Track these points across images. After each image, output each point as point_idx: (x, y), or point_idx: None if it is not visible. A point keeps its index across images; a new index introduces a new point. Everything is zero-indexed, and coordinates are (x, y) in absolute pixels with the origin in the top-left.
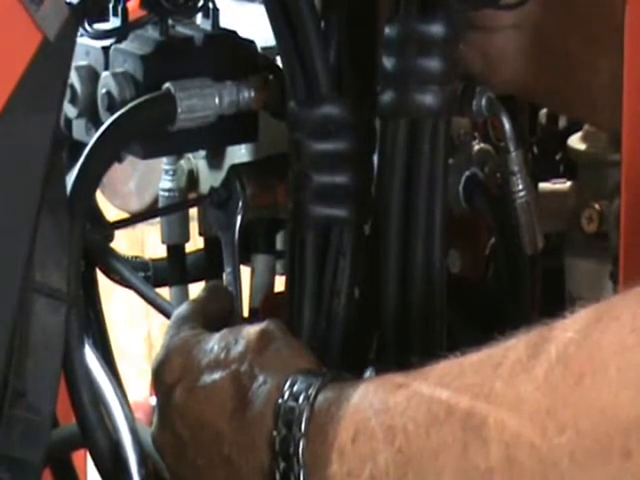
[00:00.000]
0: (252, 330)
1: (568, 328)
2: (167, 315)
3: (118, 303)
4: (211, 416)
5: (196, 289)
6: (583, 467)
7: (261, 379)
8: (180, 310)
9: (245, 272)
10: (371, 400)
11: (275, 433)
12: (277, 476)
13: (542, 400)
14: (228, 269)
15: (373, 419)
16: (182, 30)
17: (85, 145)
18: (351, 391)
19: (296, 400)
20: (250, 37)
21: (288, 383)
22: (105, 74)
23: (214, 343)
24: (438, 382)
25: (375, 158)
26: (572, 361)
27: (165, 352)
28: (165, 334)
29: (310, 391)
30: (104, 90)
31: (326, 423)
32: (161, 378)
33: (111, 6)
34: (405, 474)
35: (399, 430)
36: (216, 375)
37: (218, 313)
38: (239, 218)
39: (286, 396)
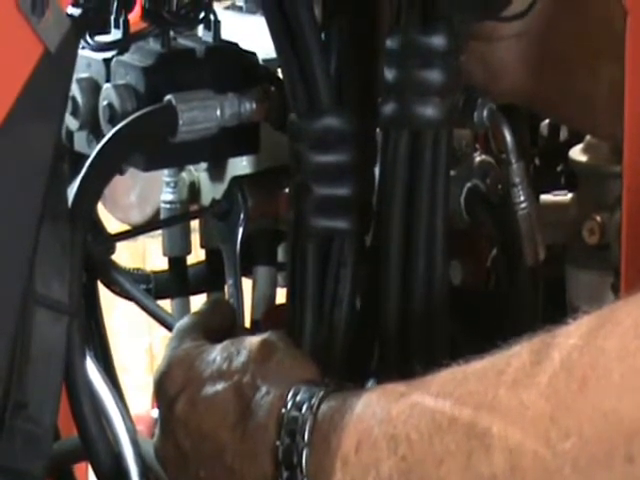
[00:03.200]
0: (254, 341)
1: (571, 335)
2: (168, 327)
3: (119, 315)
4: (213, 427)
5: (198, 301)
6: (586, 473)
7: (264, 390)
8: (182, 322)
9: (247, 284)
10: (374, 409)
11: (278, 443)
12: None
13: (545, 407)
14: (230, 281)
15: (376, 428)
16: (184, 42)
17: (87, 157)
18: (354, 400)
19: (299, 410)
20: (251, 49)
21: (291, 393)
22: (106, 86)
23: (216, 354)
24: (441, 390)
25: (376, 169)
26: (575, 367)
27: (167, 363)
28: (167, 346)
29: (313, 401)
30: (105, 102)
31: (329, 432)
32: (163, 389)
33: (112, 18)
34: None
35: (402, 439)
36: (219, 386)
37: (220, 326)
38: (240, 230)
39: (289, 406)
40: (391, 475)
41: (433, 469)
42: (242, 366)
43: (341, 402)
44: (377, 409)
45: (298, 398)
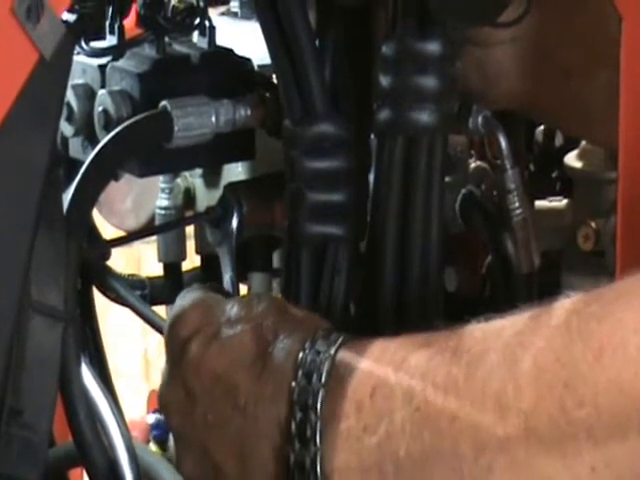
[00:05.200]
0: (273, 294)
1: (591, 303)
2: (163, 333)
3: (115, 321)
4: (228, 368)
5: None
6: (601, 443)
7: (284, 334)
8: (189, 288)
9: (242, 290)
10: (392, 358)
11: (294, 384)
12: (293, 427)
13: (561, 373)
14: (226, 276)
15: (393, 377)
16: (179, 48)
17: (82, 163)
18: (373, 347)
19: (318, 353)
20: (247, 55)
21: (310, 338)
22: (102, 92)
23: (234, 302)
24: (459, 345)
25: (371, 176)
26: (592, 336)
27: (181, 308)
28: (178, 297)
29: (332, 345)
30: (101, 108)
31: (346, 376)
32: (176, 332)
33: (108, 24)
34: (421, 434)
35: (418, 391)
36: (237, 328)
37: None
38: (235, 236)
39: (307, 350)
40: (404, 425)
41: (447, 424)
42: (263, 312)
43: (360, 348)
44: (395, 358)
45: (317, 343)
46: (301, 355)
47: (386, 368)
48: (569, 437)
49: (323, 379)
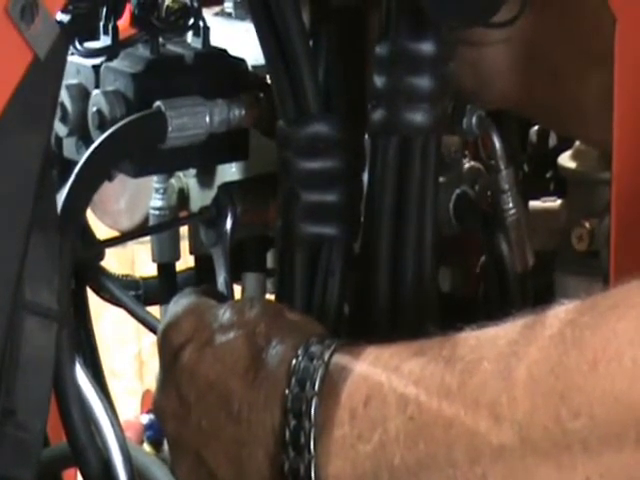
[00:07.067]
0: (265, 299)
1: (585, 312)
2: (157, 338)
3: (108, 322)
4: (222, 375)
5: None
6: (596, 454)
7: (276, 340)
8: (184, 291)
9: (236, 290)
10: (386, 365)
11: (287, 391)
12: (287, 434)
13: (556, 383)
14: (220, 278)
15: (386, 385)
16: (173, 48)
17: (76, 164)
18: (366, 355)
19: (311, 360)
20: (241, 55)
21: (303, 344)
22: (96, 92)
23: (227, 308)
24: (453, 353)
25: (365, 176)
26: (587, 346)
27: (174, 315)
28: (172, 302)
29: (325, 352)
30: (95, 108)
31: (339, 384)
32: (169, 339)
33: (102, 25)
34: (416, 444)
35: (412, 399)
36: (230, 335)
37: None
38: (229, 236)
39: (301, 356)
40: (398, 434)
41: (441, 433)
42: (255, 317)
43: (353, 355)
44: (389, 365)
45: (311, 349)
46: (294, 362)
47: (380, 376)
48: (564, 448)
49: (317, 387)
